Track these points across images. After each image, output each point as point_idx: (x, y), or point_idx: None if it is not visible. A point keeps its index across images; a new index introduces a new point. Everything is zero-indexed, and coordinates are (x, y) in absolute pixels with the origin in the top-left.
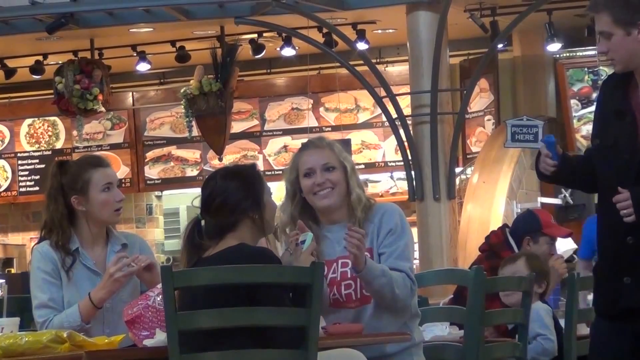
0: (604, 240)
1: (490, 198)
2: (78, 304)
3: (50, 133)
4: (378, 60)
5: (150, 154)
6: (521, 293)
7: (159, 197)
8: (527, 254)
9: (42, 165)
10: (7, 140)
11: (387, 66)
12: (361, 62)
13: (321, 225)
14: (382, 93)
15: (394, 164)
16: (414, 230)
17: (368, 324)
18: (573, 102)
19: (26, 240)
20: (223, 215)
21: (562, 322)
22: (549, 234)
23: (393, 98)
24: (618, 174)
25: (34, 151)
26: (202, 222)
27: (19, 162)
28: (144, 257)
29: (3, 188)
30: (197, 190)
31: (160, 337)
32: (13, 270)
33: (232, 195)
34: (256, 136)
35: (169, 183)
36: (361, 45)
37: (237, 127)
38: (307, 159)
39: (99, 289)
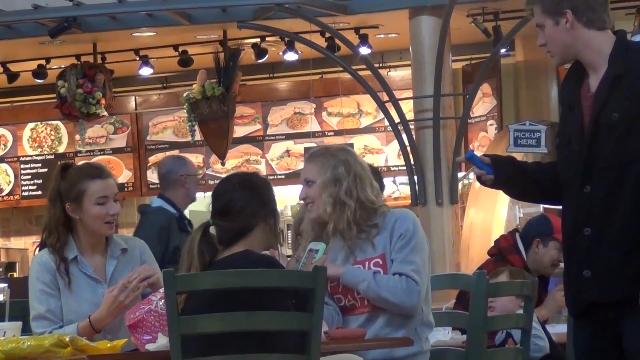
0: (565, 238)
1: (493, 203)
2: (77, 325)
3: (52, 137)
4: (381, 65)
5: (152, 158)
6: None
7: None
8: (510, 269)
9: (45, 170)
10: (9, 144)
11: (389, 71)
12: (364, 66)
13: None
14: (385, 97)
15: (396, 168)
16: None
17: (380, 328)
18: None
19: (29, 244)
20: (240, 221)
21: (564, 328)
22: (559, 239)
23: (395, 103)
24: (571, 167)
25: (36, 155)
26: (211, 228)
27: (22, 166)
28: (144, 269)
29: (5, 192)
30: (200, 195)
31: (162, 342)
32: (15, 275)
33: (251, 202)
34: (259, 140)
35: None
36: (364, 50)
37: (239, 131)
38: (301, 172)
39: (103, 316)
